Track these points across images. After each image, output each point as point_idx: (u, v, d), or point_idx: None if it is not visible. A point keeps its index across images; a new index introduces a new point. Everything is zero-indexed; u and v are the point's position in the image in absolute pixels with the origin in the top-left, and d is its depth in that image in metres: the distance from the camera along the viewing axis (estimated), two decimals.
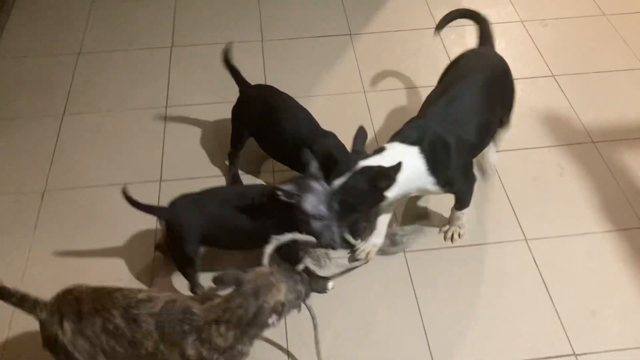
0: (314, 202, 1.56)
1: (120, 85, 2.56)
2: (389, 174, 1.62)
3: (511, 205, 2.13)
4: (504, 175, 2.23)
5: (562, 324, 1.83)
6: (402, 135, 1.77)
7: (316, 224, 1.57)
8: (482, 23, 2.13)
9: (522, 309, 1.86)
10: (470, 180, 1.91)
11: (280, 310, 1.42)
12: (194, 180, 2.19)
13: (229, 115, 2.15)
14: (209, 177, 2.23)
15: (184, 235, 1.72)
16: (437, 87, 1.99)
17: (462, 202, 1.95)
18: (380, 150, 1.74)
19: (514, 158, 2.29)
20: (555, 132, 2.38)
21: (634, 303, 1.88)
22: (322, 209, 1.56)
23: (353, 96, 2.52)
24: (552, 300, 1.88)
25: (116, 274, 1.94)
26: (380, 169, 1.63)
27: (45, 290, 1.52)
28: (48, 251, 2.02)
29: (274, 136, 2.01)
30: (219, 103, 2.44)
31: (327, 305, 1.85)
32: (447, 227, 2.05)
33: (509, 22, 2.89)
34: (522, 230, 2.05)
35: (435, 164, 1.74)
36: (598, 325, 1.83)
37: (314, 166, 1.65)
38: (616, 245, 2.02)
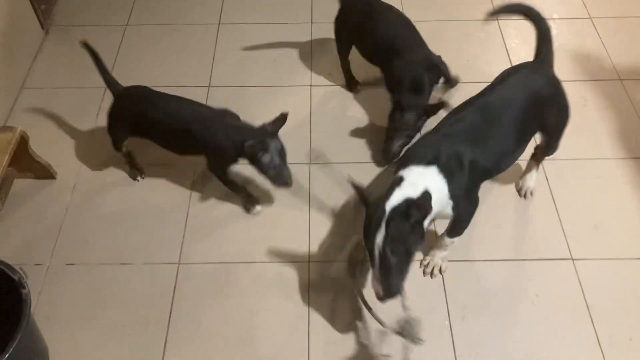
0: (269, 157, 1.84)
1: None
2: (421, 205, 1.46)
3: None
4: None
5: (563, 231, 1.97)
6: (416, 156, 1.61)
7: (270, 172, 1.88)
8: (541, 29, 1.84)
9: (529, 216, 2.01)
10: (474, 203, 1.73)
11: None
12: None
13: None
14: None
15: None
16: (465, 103, 1.77)
17: (458, 228, 1.76)
18: (398, 181, 1.56)
19: None
20: (584, 68, 2.48)
21: (635, 221, 2.00)
22: (275, 160, 1.85)
23: None
24: (557, 210, 2.03)
25: None
26: (409, 204, 1.48)
27: None
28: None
29: (373, 41, 2.20)
30: None
31: None
32: (429, 258, 1.88)
33: None
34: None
35: (453, 184, 1.58)
36: (598, 237, 1.96)
37: (269, 125, 1.87)
38: (627, 171, 2.13)
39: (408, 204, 1.47)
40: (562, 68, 2.47)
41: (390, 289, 1.49)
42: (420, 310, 1.66)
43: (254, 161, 1.86)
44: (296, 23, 2.72)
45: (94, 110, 2.38)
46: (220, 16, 2.76)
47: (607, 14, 2.70)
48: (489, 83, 1.81)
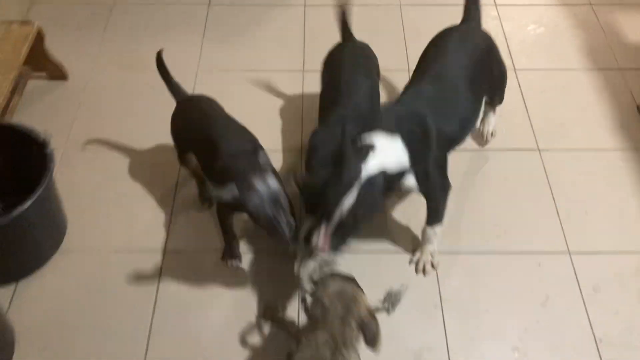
0: (257, 202, 1.46)
1: None
2: (394, 182, 1.52)
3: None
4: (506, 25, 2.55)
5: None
6: (382, 124, 1.60)
7: (261, 222, 1.48)
8: None
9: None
10: (446, 184, 1.71)
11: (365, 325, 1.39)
12: None
13: None
14: None
15: None
16: (415, 71, 1.81)
17: (434, 213, 1.73)
18: (369, 148, 1.52)
19: (514, 12, 2.60)
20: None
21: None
22: (266, 209, 1.46)
23: None
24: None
25: None
26: (386, 178, 1.51)
27: None
28: (113, 53, 2.47)
29: None
30: None
31: None
32: (418, 255, 1.83)
33: None
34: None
35: (416, 155, 1.58)
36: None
37: (262, 157, 1.56)
38: (591, 80, 2.34)
39: (385, 177, 1.49)
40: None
41: (338, 245, 1.49)
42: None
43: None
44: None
45: (102, 24, 2.56)
46: None
47: None
48: (427, 47, 1.85)
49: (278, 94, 2.31)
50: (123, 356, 1.64)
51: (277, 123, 2.20)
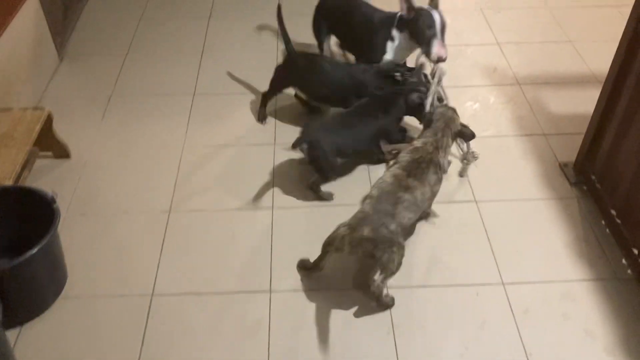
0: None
1: None
2: None
3: None
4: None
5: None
6: None
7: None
8: None
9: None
10: None
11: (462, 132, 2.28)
12: None
13: None
14: None
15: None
16: None
17: None
18: None
19: (459, 93, 3.05)
20: (491, 77, 3.15)
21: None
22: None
23: None
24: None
25: None
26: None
27: None
28: (111, 134, 2.86)
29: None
30: None
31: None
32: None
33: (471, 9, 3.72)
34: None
35: None
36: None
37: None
38: (519, 144, 2.75)
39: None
40: (475, 75, 3.15)
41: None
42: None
43: None
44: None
45: (102, 106, 2.98)
46: (204, 45, 3.43)
47: (510, 39, 3.42)
48: None
49: (253, 163, 2.68)
50: None
51: (252, 186, 2.56)
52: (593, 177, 2.45)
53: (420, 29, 2.52)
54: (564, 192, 2.51)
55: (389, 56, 2.69)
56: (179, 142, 2.78)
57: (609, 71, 2.30)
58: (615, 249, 2.26)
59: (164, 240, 2.33)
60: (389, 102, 2.49)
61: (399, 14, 2.62)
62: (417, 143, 2.18)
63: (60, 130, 2.68)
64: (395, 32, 2.65)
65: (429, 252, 2.28)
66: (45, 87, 3.12)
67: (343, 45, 3.09)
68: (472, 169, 2.60)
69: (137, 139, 2.80)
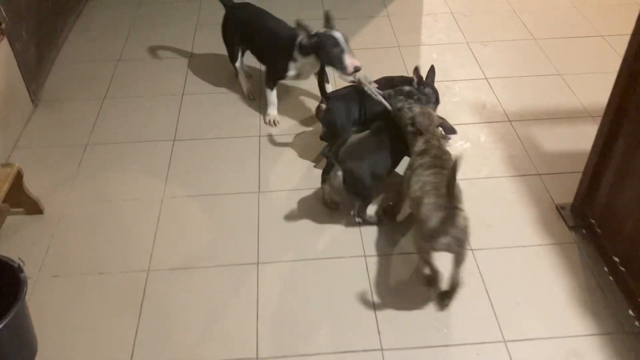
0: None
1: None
2: None
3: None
4: None
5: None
6: None
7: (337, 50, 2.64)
8: None
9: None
10: None
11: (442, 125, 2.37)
12: None
13: None
14: None
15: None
16: None
17: None
18: None
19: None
20: (481, 115, 3.06)
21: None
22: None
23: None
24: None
25: None
26: None
27: None
28: (86, 188, 2.72)
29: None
30: None
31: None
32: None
33: (457, 43, 3.65)
34: None
35: None
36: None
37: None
38: (514, 185, 2.64)
39: None
40: (466, 114, 3.06)
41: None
42: None
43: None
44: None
45: (76, 160, 2.83)
46: (184, 87, 3.31)
47: (498, 74, 3.35)
48: None
49: (236, 213, 2.55)
50: None
51: (236, 236, 2.42)
52: (592, 221, 2.35)
53: (328, 51, 2.63)
54: (563, 236, 2.40)
55: (291, 74, 2.86)
56: (158, 193, 2.65)
57: (605, 111, 2.21)
58: (621, 299, 2.15)
59: (142, 304, 2.18)
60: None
61: (298, 40, 2.72)
62: (421, 145, 2.27)
63: (34, 182, 2.55)
64: (297, 55, 2.77)
65: (423, 309, 2.15)
66: (18, 136, 2.98)
67: (257, 57, 3.12)
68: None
69: (114, 191, 2.67)
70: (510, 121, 3.01)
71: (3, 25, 2.91)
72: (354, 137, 2.59)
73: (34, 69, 3.23)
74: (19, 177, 2.38)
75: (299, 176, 2.73)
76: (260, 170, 2.76)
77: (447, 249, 2.00)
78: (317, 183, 2.57)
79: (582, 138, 2.87)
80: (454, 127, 2.39)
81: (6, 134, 2.89)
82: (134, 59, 3.57)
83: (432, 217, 1.96)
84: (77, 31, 3.84)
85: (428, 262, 2.15)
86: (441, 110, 2.88)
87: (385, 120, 2.51)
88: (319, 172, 2.61)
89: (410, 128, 2.34)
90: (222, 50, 3.24)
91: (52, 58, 3.52)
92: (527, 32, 3.74)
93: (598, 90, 3.18)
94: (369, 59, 3.41)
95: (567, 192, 2.54)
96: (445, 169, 2.12)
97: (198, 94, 3.27)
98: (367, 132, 2.58)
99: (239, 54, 3.12)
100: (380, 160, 2.43)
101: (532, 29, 3.75)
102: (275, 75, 2.93)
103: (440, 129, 2.37)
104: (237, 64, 3.16)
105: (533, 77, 3.34)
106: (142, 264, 2.33)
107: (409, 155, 2.40)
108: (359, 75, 2.60)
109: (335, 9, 3.85)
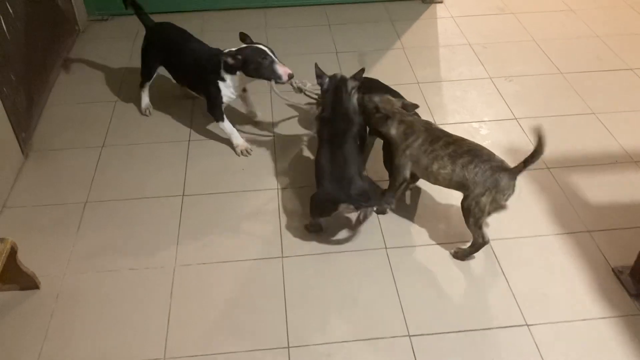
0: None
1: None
2: None
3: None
4: None
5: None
6: None
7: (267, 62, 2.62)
8: None
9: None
10: None
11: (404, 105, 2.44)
12: None
13: None
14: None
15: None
16: None
17: None
18: None
19: None
20: (514, 158, 2.81)
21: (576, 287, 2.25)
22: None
23: None
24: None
25: None
26: None
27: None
28: (90, 246, 2.43)
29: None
30: None
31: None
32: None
33: (480, 78, 3.42)
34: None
35: None
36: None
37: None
38: (563, 245, 2.40)
39: None
40: None
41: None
42: None
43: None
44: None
45: (74, 224, 2.53)
46: (190, 134, 3.03)
47: (527, 113, 3.12)
48: None
49: (258, 281, 2.28)
50: None
51: (259, 310, 2.15)
52: None
53: (257, 64, 2.60)
54: (624, 307, 2.17)
55: (225, 92, 2.77)
56: (169, 260, 2.37)
57: None
58: None
59: None
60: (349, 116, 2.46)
61: (222, 59, 2.66)
62: (398, 127, 2.35)
63: (27, 251, 2.25)
64: (224, 75, 2.71)
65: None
66: (8, 194, 2.68)
67: (178, 80, 3.06)
68: (515, 284, 2.24)
69: (119, 259, 2.38)
70: (548, 168, 2.78)
71: None
72: (321, 162, 2.40)
73: (24, 114, 2.93)
74: (12, 253, 2.08)
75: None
76: (281, 234, 2.49)
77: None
78: None
79: (628, 187, 2.66)
80: (415, 103, 2.44)
81: None
82: (133, 99, 3.28)
83: (497, 178, 2.14)
84: (68, 72, 3.54)
85: None
86: None
87: (327, 130, 2.43)
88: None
89: (377, 114, 2.37)
90: None
91: (42, 101, 3.23)
92: (552, 64, 3.53)
93: (637, 131, 2.99)
94: None
95: (623, 252, 2.32)
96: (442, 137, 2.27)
97: (205, 140, 3.00)
98: (324, 152, 2.40)
99: (154, 75, 3.08)
100: (356, 162, 2.36)
101: (557, 62, 3.55)
102: (215, 102, 2.80)
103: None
104: (148, 83, 3.11)
105: (566, 116, 3.12)
106: (155, 351, 2.04)
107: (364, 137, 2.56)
108: (296, 81, 2.72)
109: (345, 42, 3.71)
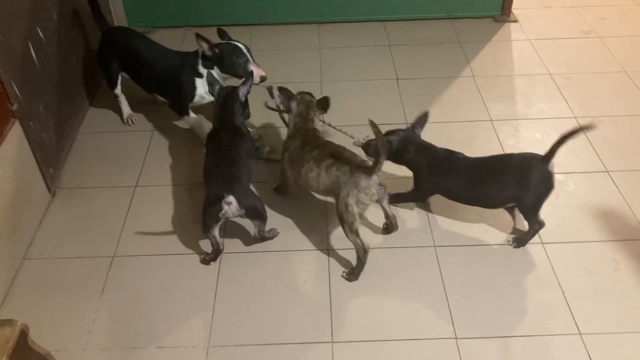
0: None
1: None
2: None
3: (565, 297, 2.13)
4: (557, 267, 2.24)
5: None
6: None
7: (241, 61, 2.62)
8: None
9: None
10: None
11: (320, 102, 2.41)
12: None
13: None
14: None
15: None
16: None
17: None
18: None
19: (567, 250, 2.31)
20: (610, 227, 2.39)
21: None
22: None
23: None
24: None
25: None
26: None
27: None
28: (114, 313, 2.14)
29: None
30: None
31: None
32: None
33: (563, 118, 2.97)
34: (576, 324, 2.04)
35: None
36: None
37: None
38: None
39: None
40: (587, 227, 2.40)
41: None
42: None
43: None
44: None
45: (99, 283, 2.25)
46: None
47: (623, 167, 2.67)
48: None
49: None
50: None
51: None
52: None
53: (231, 61, 2.60)
54: None
55: (200, 91, 2.69)
56: (202, 339, 2.05)
57: None
58: None
59: None
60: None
61: (200, 52, 2.63)
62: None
63: (45, 318, 2.02)
64: (202, 69, 2.65)
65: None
66: (31, 240, 2.42)
67: (145, 87, 2.88)
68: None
69: (146, 331, 2.08)
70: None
71: (15, 106, 2.35)
72: (210, 165, 2.30)
73: (53, 148, 2.67)
74: (22, 337, 1.80)
75: None
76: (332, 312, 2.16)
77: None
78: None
79: None
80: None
81: (16, 238, 2.33)
82: (171, 129, 2.98)
83: (356, 178, 2.11)
84: (100, 98, 3.23)
85: None
86: (552, 219, 2.29)
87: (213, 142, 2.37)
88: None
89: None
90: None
91: (74, 131, 2.96)
92: None
93: None
94: (455, 133, 2.80)
95: None
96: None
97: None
98: (210, 160, 2.31)
99: (118, 80, 2.91)
100: (244, 167, 2.30)
101: None
102: (185, 99, 2.73)
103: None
104: (117, 90, 2.95)
105: None
106: None
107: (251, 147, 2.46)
108: (268, 85, 2.65)
109: (407, 66, 3.31)
